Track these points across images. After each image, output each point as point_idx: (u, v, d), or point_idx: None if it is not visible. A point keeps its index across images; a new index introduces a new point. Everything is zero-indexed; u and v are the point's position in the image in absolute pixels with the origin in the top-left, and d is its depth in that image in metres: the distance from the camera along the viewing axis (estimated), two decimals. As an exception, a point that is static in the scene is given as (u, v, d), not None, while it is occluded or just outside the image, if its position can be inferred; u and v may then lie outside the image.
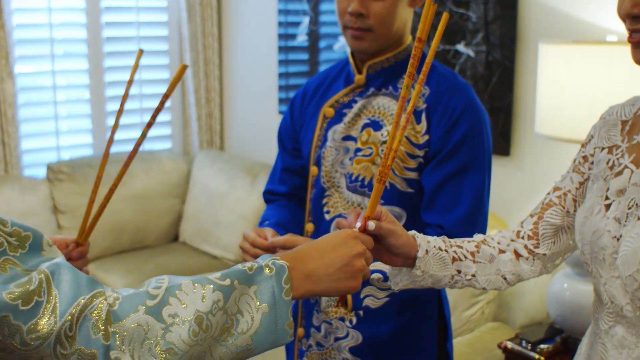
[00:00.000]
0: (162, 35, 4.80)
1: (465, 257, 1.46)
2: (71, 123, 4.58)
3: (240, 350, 1.07)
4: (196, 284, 1.05)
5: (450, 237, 1.53)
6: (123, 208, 4.24)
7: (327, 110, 1.93)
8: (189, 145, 4.92)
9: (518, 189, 3.07)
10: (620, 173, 1.37)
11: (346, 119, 1.89)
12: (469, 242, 1.50)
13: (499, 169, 3.10)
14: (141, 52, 1.69)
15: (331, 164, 1.90)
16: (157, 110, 1.55)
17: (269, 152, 4.34)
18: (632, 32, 1.27)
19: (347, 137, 1.88)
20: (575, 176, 1.51)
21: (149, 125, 1.58)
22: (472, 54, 3.12)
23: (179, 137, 4.98)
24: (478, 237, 1.53)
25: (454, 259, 1.45)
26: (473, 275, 1.46)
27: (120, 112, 1.67)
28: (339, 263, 1.19)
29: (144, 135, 1.60)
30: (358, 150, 1.86)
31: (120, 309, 0.99)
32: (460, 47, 3.17)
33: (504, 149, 3.06)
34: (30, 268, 0.97)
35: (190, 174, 4.59)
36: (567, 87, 2.34)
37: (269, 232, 1.71)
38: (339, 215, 1.87)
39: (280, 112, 4.42)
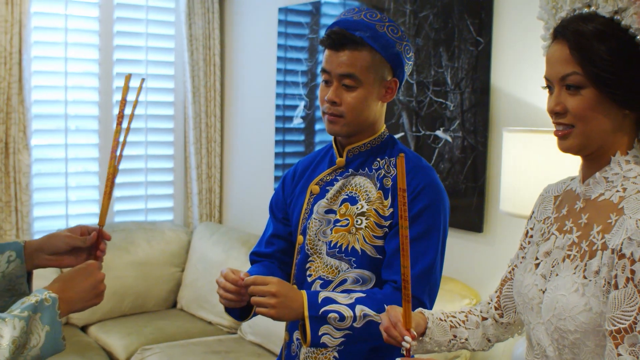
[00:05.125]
0: (168, 114, 5.16)
1: (459, 325, 1.83)
2: (80, 193, 4.89)
3: (32, 359, 1.52)
4: (7, 320, 1.49)
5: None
6: (126, 274, 4.51)
7: (314, 187, 2.22)
8: (190, 217, 5.22)
9: (489, 263, 3.34)
10: (548, 239, 1.67)
11: (329, 195, 2.18)
12: (459, 312, 1.86)
13: (473, 244, 3.39)
14: (142, 81, 2.00)
15: (315, 233, 2.18)
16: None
17: (263, 225, 4.59)
18: (556, 126, 1.58)
19: (329, 211, 2.17)
20: (520, 252, 1.82)
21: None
22: (449, 139, 3.45)
23: (181, 210, 5.29)
24: (464, 308, 1.89)
25: (451, 326, 1.81)
26: (466, 339, 1.82)
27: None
28: (88, 288, 1.69)
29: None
30: (337, 221, 2.14)
31: None
32: (440, 132, 3.49)
33: (477, 226, 3.35)
34: None
35: (189, 244, 4.87)
36: (525, 169, 2.65)
37: (242, 272, 2.02)
38: (319, 278, 2.14)
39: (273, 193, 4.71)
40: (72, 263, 1.87)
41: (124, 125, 1.90)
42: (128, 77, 1.91)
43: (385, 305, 1.96)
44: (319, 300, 1.97)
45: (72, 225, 4.55)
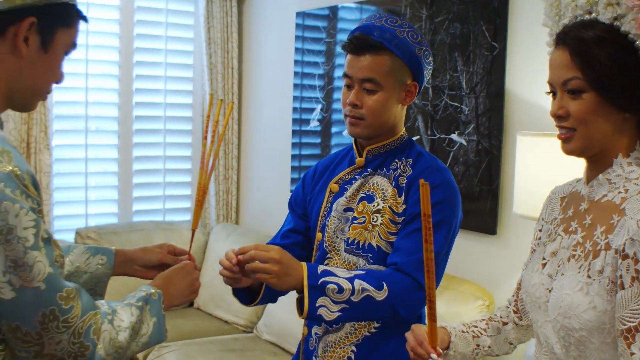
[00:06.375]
0: (186, 116, 5.24)
1: (481, 334, 1.89)
2: (99, 193, 4.97)
3: (142, 345, 1.65)
4: (125, 307, 1.64)
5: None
6: (144, 273, 4.57)
7: (333, 186, 2.28)
8: (207, 218, 5.28)
9: (503, 265, 3.38)
10: (554, 239, 1.72)
11: (347, 193, 2.23)
12: (480, 321, 1.93)
13: (487, 246, 3.43)
14: (232, 104, 2.20)
15: (333, 231, 2.23)
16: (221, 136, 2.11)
17: (280, 226, 4.67)
18: (559, 129, 1.63)
19: (347, 209, 2.22)
20: (531, 255, 1.86)
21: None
22: (464, 142, 3.49)
23: (198, 211, 5.34)
24: (485, 316, 1.95)
25: (473, 337, 1.88)
26: (489, 347, 1.89)
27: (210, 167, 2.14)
28: (186, 285, 1.88)
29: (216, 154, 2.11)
30: (355, 219, 2.20)
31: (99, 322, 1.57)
32: (454, 136, 3.54)
33: (491, 228, 3.39)
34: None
35: (206, 245, 4.94)
36: (538, 172, 2.69)
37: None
38: None
39: (292, 191, 4.76)
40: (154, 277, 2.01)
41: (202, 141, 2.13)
42: (220, 102, 2.16)
43: (383, 283, 2.00)
44: (319, 271, 2.00)
45: (91, 225, 4.66)
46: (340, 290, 1.97)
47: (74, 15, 1.61)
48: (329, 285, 1.97)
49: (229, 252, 2.05)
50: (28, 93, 1.59)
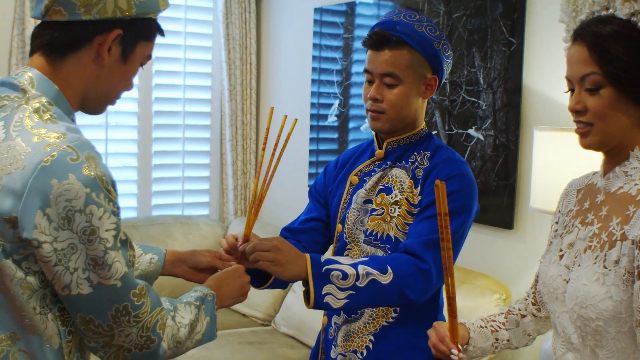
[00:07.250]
0: (205, 111, 5.28)
1: (500, 328, 1.94)
2: (119, 187, 4.96)
3: (196, 342, 1.72)
4: (186, 306, 1.72)
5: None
6: (163, 266, 4.61)
7: (353, 178, 2.32)
8: (225, 212, 5.33)
9: (520, 259, 3.40)
10: (571, 231, 1.74)
11: (367, 185, 2.27)
12: (498, 315, 1.97)
13: (503, 241, 3.45)
14: (296, 120, 2.27)
15: (353, 222, 2.27)
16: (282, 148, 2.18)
17: (298, 220, 4.71)
18: (577, 124, 1.65)
19: (367, 201, 2.26)
20: (549, 248, 1.89)
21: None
22: (481, 137, 3.51)
23: (216, 205, 5.40)
24: (503, 309, 1.99)
25: (492, 331, 1.93)
26: (508, 340, 1.94)
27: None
28: (237, 288, 1.93)
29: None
30: (373, 210, 2.23)
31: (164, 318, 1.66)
32: (472, 131, 3.56)
33: (508, 223, 3.41)
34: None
35: (224, 239, 4.97)
36: (555, 167, 2.71)
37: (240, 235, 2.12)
38: None
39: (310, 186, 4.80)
40: (202, 280, 2.05)
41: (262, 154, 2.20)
42: (284, 117, 2.24)
43: (387, 266, 2.02)
44: (322, 260, 2.02)
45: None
46: (345, 276, 1.99)
47: (155, 30, 1.70)
48: (333, 272, 1.99)
49: (229, 236, 2.11)
50: (101, 99, 1.67)
